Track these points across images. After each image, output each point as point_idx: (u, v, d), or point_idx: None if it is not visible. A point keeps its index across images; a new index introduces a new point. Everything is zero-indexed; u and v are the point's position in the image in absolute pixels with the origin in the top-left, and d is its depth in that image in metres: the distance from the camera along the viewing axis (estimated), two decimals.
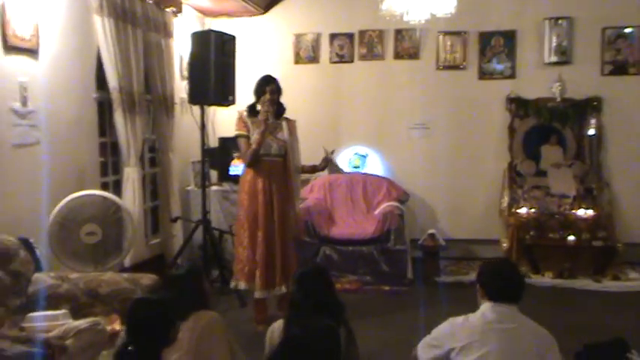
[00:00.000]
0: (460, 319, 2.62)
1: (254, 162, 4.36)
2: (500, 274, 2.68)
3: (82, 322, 2.90)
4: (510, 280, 2.66)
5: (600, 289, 5.59)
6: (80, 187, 4.32)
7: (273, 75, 4.47)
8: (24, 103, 3.90)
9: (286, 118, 4.51)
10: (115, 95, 4.79)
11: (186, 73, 5.82)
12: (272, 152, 4.38)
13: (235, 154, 6.16)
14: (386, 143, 6.94)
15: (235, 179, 6.15)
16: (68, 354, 2.68)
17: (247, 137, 4.32)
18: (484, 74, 6.72)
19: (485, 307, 2.59)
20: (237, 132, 4.39)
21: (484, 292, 2.65)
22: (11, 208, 3.82)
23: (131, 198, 4.95)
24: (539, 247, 5.94)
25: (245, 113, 4.41)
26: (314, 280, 3.05)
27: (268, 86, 4.33)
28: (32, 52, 3.98)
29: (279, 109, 4.44)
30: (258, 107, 4.36)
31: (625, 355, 3.19)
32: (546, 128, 6.53)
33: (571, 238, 5.82)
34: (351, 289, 5.59)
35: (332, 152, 4.75)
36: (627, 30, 6.43)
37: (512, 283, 2.65)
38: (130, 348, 2.32)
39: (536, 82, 6.57)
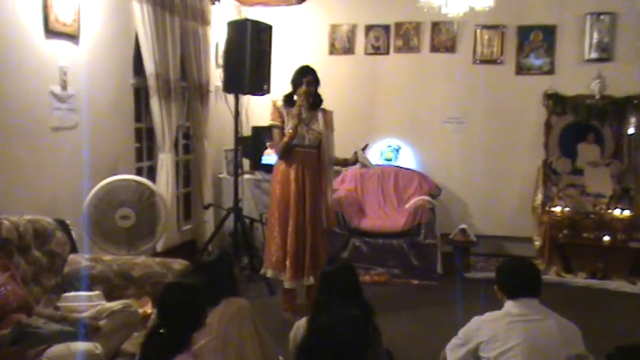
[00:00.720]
0: (485, 315, 2.66)
1: (286, 154, 4.37)
2: (514, 272, 2.75)
3: (115, 304, 2.94)
4: (525, 274, 2.71)
5: (635, 291, 5.49)
6: (115, 171, 4.40)
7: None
8: (64, 87, 3.96)
9: (323, 109, 4.47)
10: (151, 81, 4.84)
11: (221, 62, 5.85)
12: (305, 143, 4.36)
13: (268, 143, 6.20)
14: (419, 137, 6.90)
15: (267, 168, 6.19)
16: (101, 334, 2.72)
17: (281, 128, 4.31)
18: (521, 69, 6.61)
19: (509, 305, 2.65)
20: (271, 122, 4.39)
21: (503, 292, 2.71)
22: (49, 189, 3.89)
23: (164, 184, 5.01)
24: (573, 247, 5.85)
25: (280, 103, 4.39)
26: (340, 279, 3.03)
27: (305, 77, 4.29)
28: (73, 37, 4.04)
29: (315, 100, 4.40)
30: (295, 97, 4.33)
31: None
32: (584, 126, 6.40)
33: (606, 238, 5.71)
34: (380, 282, 5.58)
35: (364, 148, 4.69)
36: None
37: (528, 277, 2.70)
38: (161, 331, 2.35)
39: (575, 78, 6.43)
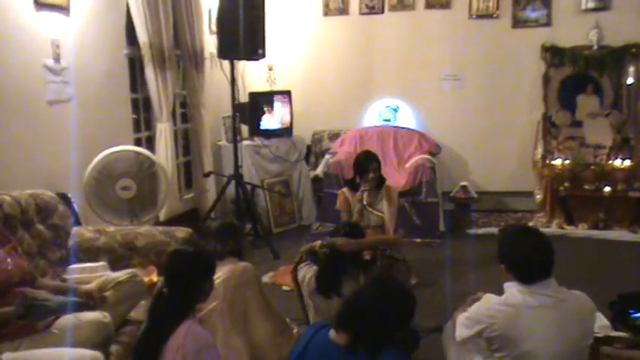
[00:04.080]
0: (497, 302, 2.39)
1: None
2: (527, 255, 2.36)
3: (121, 274, 2.97)
4: (540, 259, 2.35)
5: (636, 239, 5.53)
6: (113, 143, 4.38)
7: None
8: (57, 59, 3.93)
9: (386, 187, 4.44)
10: (145, 51, 4.80)
11: (215, 28, 5.79)
12: (371, 224, 4.30)
13: (266, 109, 6.21)
14: (417, 96, 6.86)
15: (266, 133, 6.19)
16: (108, 304, 2.76)
17: (349, 213, 4.34)
18: (518, 22, 6.53)
19: (523, 292, 2.34)
20: (338, 208, 4.43)
21: (514, 276, 2.39)
22: (47, 163, 3.89)
23: (164, 153, 5.01)
24: (574, 199, 5.88)
25: (346, 190, 4.41)
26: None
27: (371, 164, 4.28)
28: (63, 8, 3.99)
29: (379, 182, 4.39)
30: (357, 181, 4.35)
31: None
32: (582, 77, 6.36)
33: (607, 189, 5.72)
34: None
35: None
36: None
37: (541, 259, 2.35)
38: (164, 291, 2.38)
39: (573, 29, 6.36)
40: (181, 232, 3.61)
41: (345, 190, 4.46)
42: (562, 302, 2.33)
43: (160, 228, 3.74)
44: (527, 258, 2.35)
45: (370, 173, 4.24)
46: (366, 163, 4.30)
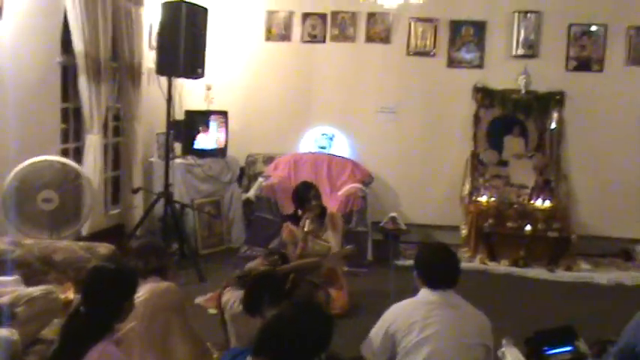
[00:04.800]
0: (402, 302, 2.70)
1: None
2: (436, 262, 2.75)
3: (35, 289, 2.85)
4: (446, 265, 2.73)
5: (553, 278, 5.74)
6: (39, 152, 4.22)
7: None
8: None
9: (331, 215, 4.63)
10: (80, 60, 4.68)
11: (155, 43, 5.72)
12: (318, 254, 4.44)
13: (201, 128, 6.16)
14: (353, 125, 6.95)
15: (199, 153, 6.12)
16: (19, 320, 2.63)
17: (295, 244, 4.46)
18: (453, 62, 6.76)
19: (426, 293, 2.67)
20: (284, 240, 4.61)
21: (421, 280, 2.71)
22: None
23: (92, 166, 4.87)
24: (497, 236, 6.06)
25: (290, 224, 4.56)
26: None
27: (310, 192, 4.51)
28: None
29: (322, 212, 4.58)
30: (299, 213, 4.53)
31: (573, 342, 3.29)
32: (510, 119, 6.63)
33: (528, 227, 5.95)
34: None
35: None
36: (593, 28, 6.53)
37: (448, 268, 2.72)
38: (81, 309, 2.29)
39: (503, 73, 6.64)
40: (104, 248, 3.51)
41: (289, 223, 4.58)
42: (460, 306, 2.63)
43: (81, 243, 3.62)
44: (434, 265, 2.72)
45: (312, 201, 4.41)
46: (306, 193, 4.48)
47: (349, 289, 4.75)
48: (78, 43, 4.65)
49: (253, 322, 2.94)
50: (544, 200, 6.09)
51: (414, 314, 2.58)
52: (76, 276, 3.26)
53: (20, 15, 4.13)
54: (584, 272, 5.90)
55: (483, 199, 6.16)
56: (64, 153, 4.88)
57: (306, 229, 4.35)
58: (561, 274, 5.80)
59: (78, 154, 5.06)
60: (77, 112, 5.02)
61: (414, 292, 2.80)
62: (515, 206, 6.13)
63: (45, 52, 4.53)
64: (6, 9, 3.95)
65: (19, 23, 4.12)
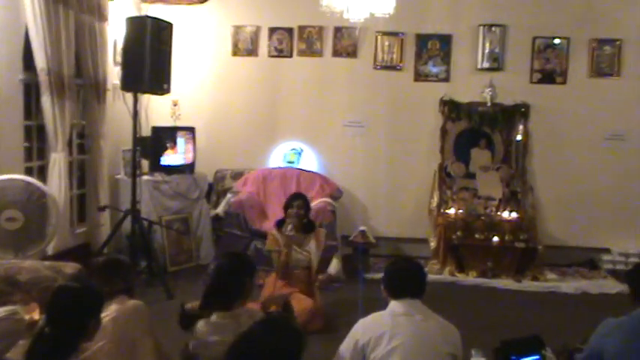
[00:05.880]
0: (370, 316, 2.74)
1: (285, 275, 4.67)
2: (399, 273, 2.84)
3: None
4: (410, 276, 2.81)
5: (520, 288, 5.82)
6: (2, 171, 4.14)
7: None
8: None
9: (319, 231, 4.90)
10: (42, 77, 4.62)
11: (119, 59, 5.67)
12: (300, 265, 4.70)
13: (168, 145, 6.11)
14: (321, 140, 6.98)
15: (167, 169, 6.06)
16: None
17: (279, 252, 4.67)
18: (419, 76, 6.85)
19: (393, 305, 2.73)
20: (268, 248, 4.81)
21: (388, 292, 2.79)
22: None
23: (57, 184, 4.79)
24: (465, 247, 6.12)
25: (275, 232, 4.79)
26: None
27: (296, 201, 4.78)
28: None
29: (308, 225, 4.82)
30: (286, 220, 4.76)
31: (540, 351, 3.32)
32: (476, 132, 6.74)
33: (495, 239, 6.02)
34: None
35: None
36: (556, 41, 6.69)
37: (412, 278, 2.80)
38: (46, 330, 2.24)
39: (469, 86, 6.76)
40: (70, 267, 3.44)
41: (274, 231, 4.81)
42: (426, 315, 2.70)
43: (47, 263, 3.55)
44: (398, 276, 2.81)
45: (294, 209, 4.70)
46: (291, 201, 4.81)
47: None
48: (40, 61, 4.59)
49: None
50: (510, 212, 6.18)
51: (381, 326, 2.61)
52: (42, 296, 3.17)
53: None
54: (551, 282, 5.99)
55: (451, 211, 6.23)
56: (28, 171, 4.80)
57: (288, 233, 4.58)
58: (528, 284, 5.88)
59: (42, 173, 4.98)
60: (41, 129, 4.94)
61: (384, 305, 2.81)
62: (483, 218, 6.20)
63: (6, 70, 4.46)
64: None
65: None
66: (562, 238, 6.68)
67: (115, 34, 5.86)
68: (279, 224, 4.82)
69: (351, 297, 5.27)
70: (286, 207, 4.83)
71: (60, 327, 2.25)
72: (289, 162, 6.87)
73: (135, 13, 6.24)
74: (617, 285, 5.88)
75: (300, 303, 4.46)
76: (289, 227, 4.62)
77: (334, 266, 5.80)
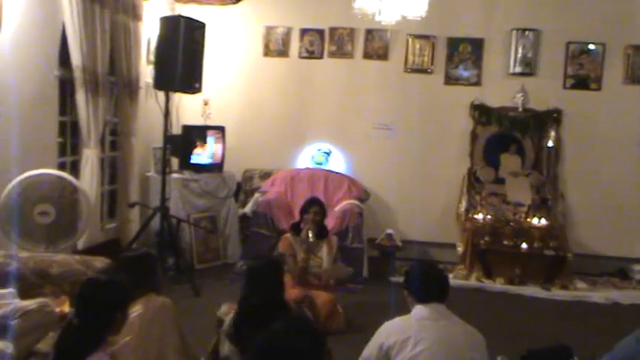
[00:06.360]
0: (396, 319, 2.73)
1: (302, 279, 4.63)
2: (423, 277, 2.81)
3: (30, 303, 2.84)
4: (434, 280, 2.79)
5: (548, 297, 5.72)
6: (36, 165, 4.22)
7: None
8: None
9: (328, 237, 4.86)
10: (77, 74, 4.70)
11: (152, 58, 5.74)
12: (314, 271, 4.70)
13: (198, 143, 6.16)
14: (350, 141, 6.97)
15: (196, 168, 6.12)
16: (13, 334, 2.61)
17: (293, 256, 4.68)
18: (450, 79, 6.80)
19: (418, 309, 2.71)
20: (281, 251, 4.75)
21: (412, 296, 2.77)
22: None
23: (89, 180, 4.87)
24: (493, 253, 6.04)
25: (289, 235, 4.81)
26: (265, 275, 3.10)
27: (312, 207, 4.77)
28: None
29: (321, 231, 4.80)
30: (301, 225, 4.78)
31: None
32: (507, 137, 6.66)
33: (524, 245, 5.94)
34: None
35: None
36: (591, 46, 6.59)
37: (437, 282, 2.78)
38: (74, 321, 2.28)
39: (500, 91, 6.68)
40: (100, 262, 3.49)
41: (288, 234, 4.80)
42: (451, 320, 2.67)
43: (78, 257, 3.60)
44: (423, 281, 2.77)
45: (310, 214, 4.68)
46: (307, 206, 4.80)
47: (344, 305, 4.74)
48: (76, 58, 4.67)
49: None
50: (540, 219, 6.09)
51: (407, 330, 2.60)
52: (72, 289, 3.23)
53: (19, 29, 4.15)
54: (581, 291, 5.89)
55: (480, 216, 6.16)
56: (61, 166, 4.89)
57: (308, 240, 4.58)
58: (557, 293, 5.78)
59: (75, 168, 5.06)
60: (74, 125, 5.03)
61: (409, 309, 2.80)
62: (512, 224, 6.13)
63: (43, 66, 4.54)
64: (5, 23, 3.96)
65: (17, 37, 4.13)
66: (593, 246, 6.56)
67: (148, 33, 5.93)
68: (294, 227, 4.82)
69: (374, 299, 5.27)
70: (302, 211, 4.82)
71: (87, 318, 2.29)
72: (317, 163, 6.88)
73: (168, 13, 6.32)
74: None
75: (319, 297, 4.45)
76: (309, 234, 4.63)
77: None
